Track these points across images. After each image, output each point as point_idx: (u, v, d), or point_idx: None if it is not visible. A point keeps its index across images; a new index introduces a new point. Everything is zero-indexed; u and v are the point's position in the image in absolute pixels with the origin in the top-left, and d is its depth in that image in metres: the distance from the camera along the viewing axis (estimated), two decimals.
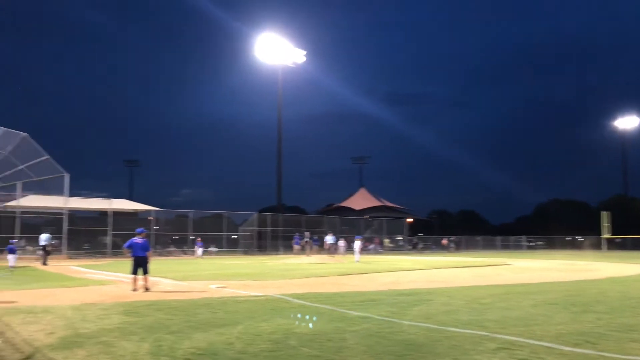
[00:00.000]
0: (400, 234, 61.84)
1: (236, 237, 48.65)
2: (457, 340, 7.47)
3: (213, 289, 14.65)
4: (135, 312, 10.25)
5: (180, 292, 14.13)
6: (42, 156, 32.73)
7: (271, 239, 48.37)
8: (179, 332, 8.09)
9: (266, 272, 22.03)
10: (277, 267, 26.16)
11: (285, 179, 67.28)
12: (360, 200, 75.71)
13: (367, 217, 64.32)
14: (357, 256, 31.18)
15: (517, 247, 70.73)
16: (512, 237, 71.88)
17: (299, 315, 9.69)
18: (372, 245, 55.10)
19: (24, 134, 31.84)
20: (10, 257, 22.15)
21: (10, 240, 23.96)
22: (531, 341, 7.31)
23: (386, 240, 57.11)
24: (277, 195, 56.09)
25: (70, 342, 7.29)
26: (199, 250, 38.21)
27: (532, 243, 76.41)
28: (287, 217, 51.77)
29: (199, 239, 39.57)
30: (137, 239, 14.43)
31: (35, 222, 37.77)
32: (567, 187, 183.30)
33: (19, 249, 22.71)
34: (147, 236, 18.16)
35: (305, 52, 56.69)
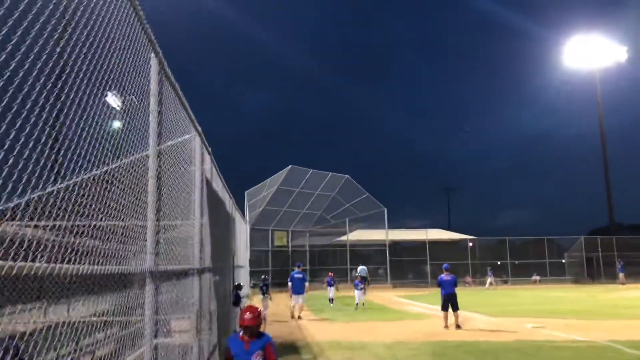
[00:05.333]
0: None
1: (562, 263, 44.52)
2: None
3: (528, 329, 13.55)
4: (443, 353, 10.20)
5: (492, 331, 13.49)
6: (363, 194, 36.90)
7: (603, 266, 42.59)
8: None
9: (595, 308, 19.33)
10: (609, 301, 22.71)
11: (619, 195, 58.54)
12: None
13: None
14: None
15: None
16: None
17: None
18: None
19: (346, 175, 36.54)
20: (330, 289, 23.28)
21: (329, 273, 24.93)
22: None
23: None
24: (608, 214, 49.72)
25: None
26: (489, 279, 36.83)
27: None
28: (624, 240, 44.62)
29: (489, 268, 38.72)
30: (444, 276, 14.58)
31: (363, 253, 41.95)
32: None
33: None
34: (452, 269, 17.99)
35: (627, 49, 50.05)
